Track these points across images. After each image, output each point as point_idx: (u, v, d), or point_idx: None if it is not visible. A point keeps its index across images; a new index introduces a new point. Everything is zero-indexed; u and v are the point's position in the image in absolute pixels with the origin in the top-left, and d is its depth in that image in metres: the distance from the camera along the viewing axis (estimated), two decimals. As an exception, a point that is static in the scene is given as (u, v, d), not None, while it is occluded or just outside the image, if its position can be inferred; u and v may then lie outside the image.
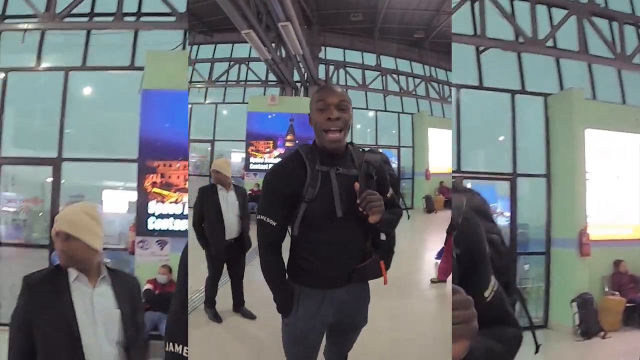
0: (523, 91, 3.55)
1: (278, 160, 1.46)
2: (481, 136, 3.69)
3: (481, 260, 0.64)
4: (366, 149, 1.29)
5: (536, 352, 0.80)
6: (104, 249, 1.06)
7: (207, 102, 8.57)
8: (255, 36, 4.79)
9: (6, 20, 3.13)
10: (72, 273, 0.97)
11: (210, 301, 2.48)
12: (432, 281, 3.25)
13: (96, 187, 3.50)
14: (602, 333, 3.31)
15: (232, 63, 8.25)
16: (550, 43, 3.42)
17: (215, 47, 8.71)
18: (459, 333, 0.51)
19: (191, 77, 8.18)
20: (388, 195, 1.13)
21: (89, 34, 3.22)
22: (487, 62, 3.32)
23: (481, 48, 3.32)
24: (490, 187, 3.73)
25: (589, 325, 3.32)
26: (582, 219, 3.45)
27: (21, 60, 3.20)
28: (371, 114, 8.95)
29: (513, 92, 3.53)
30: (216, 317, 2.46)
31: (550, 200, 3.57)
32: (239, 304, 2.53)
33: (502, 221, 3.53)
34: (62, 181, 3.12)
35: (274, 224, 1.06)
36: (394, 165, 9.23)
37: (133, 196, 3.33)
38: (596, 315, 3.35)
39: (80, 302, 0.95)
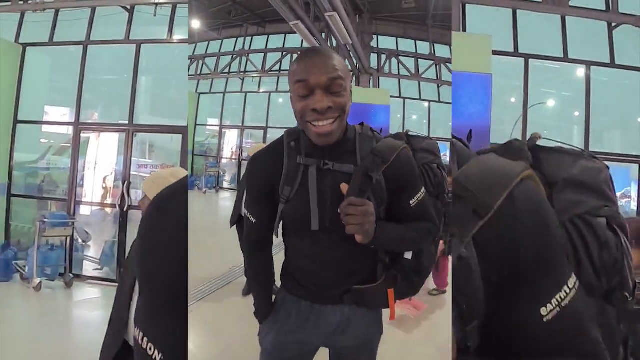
0: None
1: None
2: (616, 116, 3.54)
3: (539, 264, 0.39)
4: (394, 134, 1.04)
5: None
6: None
7: (261, 90, 8.71)
8: (303, 27, 4.83)
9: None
10: None
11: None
12: (431, 293, 2.74)
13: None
14: None
15: (284, 53, 8.33)
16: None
17: (267, 38, 8.82)
18: (355, 229, 0.71)
19: (245, 67, 8.35)
20: (412, 202, 0.81)
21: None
22: (619, 38, 3.19)
23: (613, 24, 3.19)
24: (623, 169, 3.58)
25: None
26: None
27: (154, 32, 3.34)
28: (425, 104, 8.82)
29: None
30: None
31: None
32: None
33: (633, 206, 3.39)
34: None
35: (253, 220, 0.85)
36: (445, 158, 9.08)
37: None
38: None
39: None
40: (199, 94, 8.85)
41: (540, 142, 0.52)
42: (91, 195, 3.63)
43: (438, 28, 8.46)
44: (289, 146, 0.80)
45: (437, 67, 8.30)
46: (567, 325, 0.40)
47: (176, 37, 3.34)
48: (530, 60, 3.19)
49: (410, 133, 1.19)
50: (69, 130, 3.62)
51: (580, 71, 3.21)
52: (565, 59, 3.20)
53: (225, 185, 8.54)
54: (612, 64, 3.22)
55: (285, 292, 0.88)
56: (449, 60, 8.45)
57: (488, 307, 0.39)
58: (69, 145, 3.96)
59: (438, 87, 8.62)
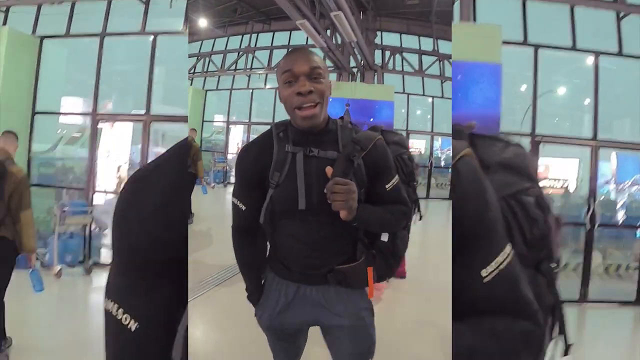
0: None
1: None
2: (625, 105, 3.59)
3: (479, 229, 0.46)
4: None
5: (565, 353, 0.56)
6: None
7: (267, 87, 8.78)
8: (309, 25, 4.88)
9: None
10: None
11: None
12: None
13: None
14: None
15: (290, 50, 8.39)
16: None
17: (273, 35, 8.88)
18: (341, 205, 0.81)
19: (252, 63, 8.43)
20: (388, 186, 0.91)
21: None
22: (627, 28, 3.25)
23: (621, 14, 3.25)
24: (634, 158, 3.63)
25: None
26: None
27: (169, 24, 3.40)
28: (429, 100, 8.87)
29: None
30: None
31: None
32: None
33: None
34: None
35: (243, 208, 0.92)
36: (449, 153, 9.19)
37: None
38: None
39: None
40: (206, 90, 8.91)
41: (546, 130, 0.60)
42: (106, 184, 3.68)
43: (441, 24, 8.52)
44: (278, 136, 0.89)
45: (441, 63, 8.36)
46: (504, 287, 0.45)
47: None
48: (540, 50, 3.25)
49: (383, 129, 1.37)
50: (82, 120, 3.68)
51: (590, 60, 3.28)
52: (574, 48, 3.26)
53: (233, 180, 8.60)
54: (620, 54, 3.28)
55: (273, 274, 0.95)
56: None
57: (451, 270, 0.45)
58: (79, 135, 4.02)
59: (441, 82, 8.68)
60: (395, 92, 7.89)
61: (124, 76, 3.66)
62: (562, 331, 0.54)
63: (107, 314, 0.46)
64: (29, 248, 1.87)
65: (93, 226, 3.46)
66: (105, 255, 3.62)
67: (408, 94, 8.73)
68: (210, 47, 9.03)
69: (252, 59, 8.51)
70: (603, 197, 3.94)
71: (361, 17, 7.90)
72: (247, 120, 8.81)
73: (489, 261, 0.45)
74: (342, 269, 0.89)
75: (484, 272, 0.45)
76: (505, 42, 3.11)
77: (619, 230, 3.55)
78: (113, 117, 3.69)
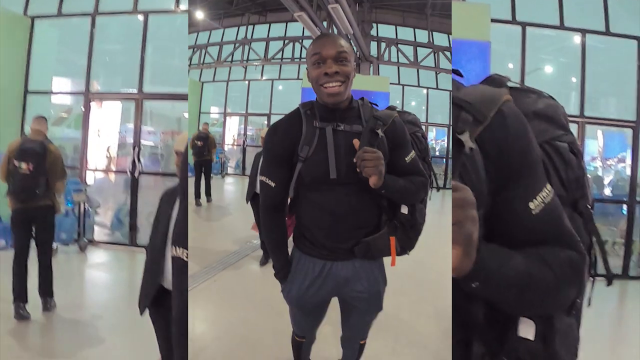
0: None
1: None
2: (612, 83, 3.64)
3: (525, 165, 0.48)
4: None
5: (609, 283, 0.59)
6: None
7: (263, 78, 8.79)
8: (307, 17, 4.91)
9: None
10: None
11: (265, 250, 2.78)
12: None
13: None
14: None
15: (286, 41, 8.40)
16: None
17: (269, 26, 8.89)
18: (454, 237, 0.40)
19: (248, 55, 8.43)
20: (407, 159, 0.97)
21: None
22: (614, 7, 3.28)
23: (608, -7, 3.28)
24: (620, 135, 3.68)
25: None
26: None
27: (161, 3, 3.41)
28: (424, 91, 8.91)
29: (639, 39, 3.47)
30: None
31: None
32: None
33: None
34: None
35: (273, 184, 0.95)
36: (443, 143, 9.21)
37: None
38: None
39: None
40: (202, 82, 8.91)
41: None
42: (95, 163, 3.69)
43: (437, 17, 8.55)
44: (306, 114, 0.94)
45: (436, 55, 8.39)
46: (550, 218, 0.49)
47: (182, 6, 3.42)
48: (528, 28, 3.28)
49: (398, 109, 1.48)
50: (70, 101, 3.67)
51: (577, 38, 3.31)
52: (561, 26, 3.29)
53: (230, 171, 8.60)
54: (607, 32, 3.31)
55: (300, 252, 1.00)
56: (447, 49, 8.54)
57: (489, 201, 0.47)
58: (66, 115, 4.02)
59: (436, 74, 8.72)
60: (390, 84, 7.93)
61: (112, 55, 3.65)
62: (606, 263, 0.57)
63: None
64: (61, 210, 2.31)
65: (86, 204, 3.48)
66: (99, 232, 3.64)
67: (403, 85, 8.77)
68: (207, 39, 9.03)
69: (249, 50, 8.51)
70: (590, 173, 4.03)
71: (357, 9, 7.92)
72: (244, 112, 8.82)
73: (534, 195, 0.48)
74: (367, 240, 0.94)
75: (531, 205, 0.47)
76: (493, 20, 3.14)
77: (606, 206, 3.61)
78: (105, 96, 3.70)
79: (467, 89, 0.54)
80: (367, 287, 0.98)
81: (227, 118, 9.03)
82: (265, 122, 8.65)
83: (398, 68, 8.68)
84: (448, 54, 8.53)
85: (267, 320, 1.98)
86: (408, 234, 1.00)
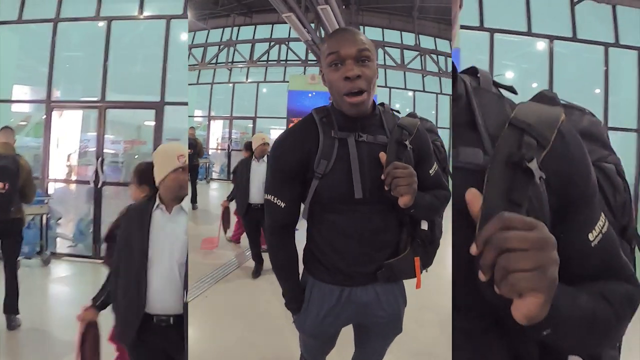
0: (617, 44, 3.50)
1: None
2: (576, 88, 3.66)
3: (586, 192, 0.43)
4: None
5: None
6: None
7: (248, 81, 8.72)
8: (295, 19, 4.85)
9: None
10: (156, 202, 1.08)
11: (257, 261, 2.79)
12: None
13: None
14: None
15: (272, 43, 8.34)
16: (646, -5, 3.34)
17: (255, 28, 8.81)
18: (531, 283, 0.33)
19: (233, 57, 8.35)
20: (431, 171, 0.88)
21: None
22: (581, 13, 3.28)
23: (575, 0, 3.28)
24: None
25: None
26: (672, 177, 3.40)
27: (124, 9, 3.34)
28: (410, 93, 8.91)
29: (607, 45, 3.49)
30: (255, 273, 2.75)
31: (640, 156, 3.53)
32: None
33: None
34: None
35: (282, 205, 0.84)
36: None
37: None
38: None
39: (156, 226, 1.05)
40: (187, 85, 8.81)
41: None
42: (55, 173, 3.61)
43: (423, 20, 8.54)
44: (322, 122, 0.82)
45: (422, 57, 8.38)
46: (608, 250, 0.45)
47: (146, 13, 3.35)
48: (495, 34, 3.26)
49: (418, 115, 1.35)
50: (28, 109, 3.59)
51: (540, 44, 3.31)
52: (529, 33, 3.28)
53: (215, 175, 8.52)
54: (574, 38, 3.31)
55: (313, 279, 0.89)
56: (433, 51, 8.54)
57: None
58: (25, 123, 3.93)
59: (423, 77, 8.72)
60: (377, 86, 7.91)
61: (73, 62, 3.57)
62: None
63: (266, 201, 0.83)
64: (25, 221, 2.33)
65: (49, 216, 3.39)
66: (61, 245, 3.56)
67: (390, 88, 8.75)
68: (191, 40, 8.93)
69: (234, 52, 8.44)
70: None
71: (344, 11, 7.87)
72: (229, 115, 8.74)
73: (593, 225, 0.44)
74: (391, 263, 0.84)
75: (591, 236, 0.43)
76: (463, 27, 3.11)
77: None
78: (67, 105, 3.61)
79: (520, 107, 0.46)
80: (389, 311, 0.90)
81: (212, 121, 8.95)
82: (251, 126, 8.58)
83: (385, 70, 8.66)
84: (434, 56, 8.53)
85: (267, 339, 1.90)
86: (427, 251, 0.91)
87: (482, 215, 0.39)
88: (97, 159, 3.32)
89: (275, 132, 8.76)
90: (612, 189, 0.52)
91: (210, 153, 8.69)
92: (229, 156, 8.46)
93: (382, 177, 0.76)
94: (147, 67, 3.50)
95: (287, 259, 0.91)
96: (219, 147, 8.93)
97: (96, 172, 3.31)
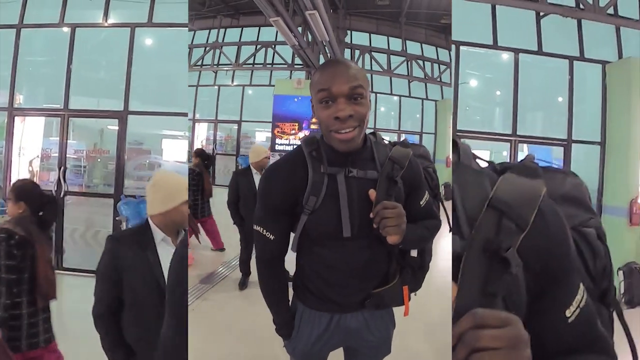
0: (582, 58, 3.56)
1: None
2: (539, 97, 3.71)
3: (564, 270, 0.43)
4: (397, 142, 1.00)
5: None
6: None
7: (234, 84, 8.68)
8: (282, 23, 4.83)
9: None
10: (159, 234, 1.05)
11: (244, 273, 2.74)
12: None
13: (156, 135, 3.68)
14: (647, 303, 3.31)
15: (258, 46, 8.31)
16: (611, 11, 3.40)
17: (241, 30, 8.77)
18: None
19: (218, 59, 8.30)
20: (422, 202, 0.88)
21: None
22: (547, 27, 3.32)
23: (541, 13, 3.31)
24: (546, 149, 3.77)
25: (634, 294, 3.31)
26: (635, 189, 3.45)
27: (88, 16, 3.30)
28: (395, 98, 8.96)
29: (571, 59, 3.54)
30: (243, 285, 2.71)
31: (603, 168, 3.58)
32: None
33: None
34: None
35: (272, 237, 0.84)
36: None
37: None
38: (642, 286, 3.36)
39: (165, 260, 0.99)
40: (171, 86, 8.74)
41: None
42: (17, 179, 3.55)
43: (410, 25, 8.59)
44: (311, 156, 0.80)
45: (409, 63, 8.43)
46: (585, 324, 0.44)
47: (111, 20, 3.30)
48: (461, 47, 3.29)
49: (409, 142, 1.35)
50: None
51: (505, 55, 3.35)
52: (494, 46, 3.31)
53: (199, 179, 8.44)
54: (539, 52, 3.35)
55: (303, 305, 0.90)
56: (419, 57, 8.59)
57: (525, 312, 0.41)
58: None
59: (409, 82, 8.77)
60: (363, 91, 7.94)
61: (35, 69, 3.52)
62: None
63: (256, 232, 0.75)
64: None
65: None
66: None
67: (376, 93, 8.78)
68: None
69: (219, 54, 8.39)
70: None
71: (332, 15, 7.88)
72: (214, 118, 8.69)
73: (570, 301, 0.43)
74: (380, 292, 0.85)
75: (567, 313, 0.43)
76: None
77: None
78: (30, 112, 3.55)
79: (500, 184, 0.43)
80: (377, 335, 0.92)
81: (196, 124, 8.88)
82: (235, 128, 8.54)
83: (371, 75, 8.69)
84: (420, 62, 8.59)
85: (256, 352, 1.89)
86: (417, 276, 0.93)
87: (456, 309, 0.39)
88: (59, 169, 3.26)
89: (260, 135, 8.74)
90: (592, 254, 0.52)
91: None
92: (213, 160, 8.40)
93: (371, 215, 0.76)
94: (109, 74, 3.46)
95: (278, 288, 0.92)
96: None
97: (58, 180, 3.25)
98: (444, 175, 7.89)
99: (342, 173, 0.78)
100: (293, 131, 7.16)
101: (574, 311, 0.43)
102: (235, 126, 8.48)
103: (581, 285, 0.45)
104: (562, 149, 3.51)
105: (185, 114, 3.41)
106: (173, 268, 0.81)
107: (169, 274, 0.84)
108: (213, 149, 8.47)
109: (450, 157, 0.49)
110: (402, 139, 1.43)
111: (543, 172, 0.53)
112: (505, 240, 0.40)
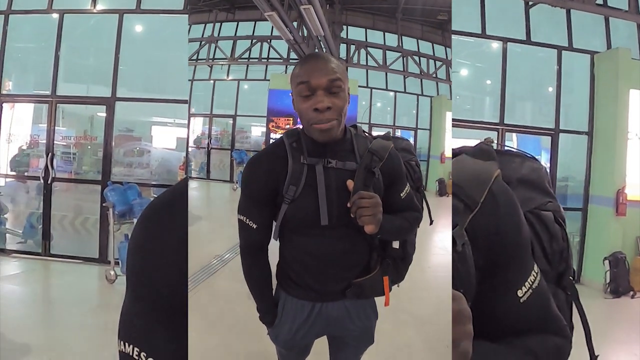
0: (570, 48, 3.57)
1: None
2: (528, 86, 3.72)
3: (515, 250, 0.44)
4: (378, 135, 1.00)
5: None
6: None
7: (229, 78, 8.65)
8: (277, 18, 4.82)
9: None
10: None
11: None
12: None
13: (146, 122, 3.68)
14: (631, 292, 3.33)
15: (254, 41, 8.29)
16: (600, 1, 3.40)
17: (237, 24, 8.75)
18: (453, 356, 0.34)
19: (214, 54, 8.27)
20: (402, 194, 0.90)
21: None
22: (535, 16, 3.32)
23: (530, 2, 3.32)
24: (535, 139, 3.78)
25: (619, 283, 3.35)
26: (621, 179, 3.47)
27: (77, 2, 3.28)
28: (391, 94, 8.95)
29: (560, 48, 3.55)
30: None
31: (590, 158, 3.60)
32: None
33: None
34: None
35: (254, 226, 0.85)
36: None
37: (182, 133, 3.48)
38: (627, 275, 3.38)
39: None
40: (166, 81, 8.70)
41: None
42: (6, 166, 3.54)
43: (407, 21, 8.59)
44: (292, 147, 0.83)
45: (404, 59, 8.43)
46: (538, 305, 0.45)
47: (99, 6, 3.29)
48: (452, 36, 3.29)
49: (392, 135, 1.36)
50: None
51: (495, 45, 3.36)
52: (483, 35, 3.32)
53: (194, 174, 8.43)
54: (528, 41, 3.36)
55: (285, 294, 0.91)
56: (415, 53, 8.59)
57: (477, 290, 0.43)
58: None
59: (404, 78, 8.76)
60: (359, 86, 7.92)
61: (22, 53, 3.50)
62: (589, 344, 0.52)
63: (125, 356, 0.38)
64: None
65: (-3, 211, 3.32)
66: (10, 240, 3.47)
67: (371, 88, 8.77)
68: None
69: (215, 49, 8.36)
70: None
71: (328, 9, 7.86)
72: (209, 113, 8.66)
73: (523, 281, 0.44)
74: (360, 282, 0.87)
75: (519, 293, 0.44)
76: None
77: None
78: (18, 98, 3.53)
79: (457, 166, 0.47)
80: (359, 324, 0.93)
81: (191, 119, 8.86)
82: (231, 122, 8.53)
83: (367, 71, 8.69)
84: (416, 58, 8.59)
85: (247, 344, 1.90)
86: (399, 268, 0.95)
87: (352, 191, 0.78)
88: (47, 155, 3.26)
89: (256, 130, 8.73)
90: (549, 236, 0.52)
91: (190, 151, 8.61)
92: (208, 154, 8.38)
93: (348, 205, 0.78)
94: (98, 60, 3.45)
95: (261, 277, 0.93)
96: (199, 145, 8.86)
97: (46, 167, 3.24)
98: (439, 171, 7.98)
99: (320, 163, 0.81)
100: (288, 126, 7.17)
101: (526, 292, 0.44)
102: (231, 120, 8.46)
103: (535, 267, 0.46)
104: (550, 138, 3.53)
105: (174, 101, 3.40)
106: None
107: None
108: (208, 143, 8.46)
109: (445, 153, 0.52)
110: (396, 135, 1.42)
111: (501, 155, 0.56)
112: (372, 164, 0.74)
